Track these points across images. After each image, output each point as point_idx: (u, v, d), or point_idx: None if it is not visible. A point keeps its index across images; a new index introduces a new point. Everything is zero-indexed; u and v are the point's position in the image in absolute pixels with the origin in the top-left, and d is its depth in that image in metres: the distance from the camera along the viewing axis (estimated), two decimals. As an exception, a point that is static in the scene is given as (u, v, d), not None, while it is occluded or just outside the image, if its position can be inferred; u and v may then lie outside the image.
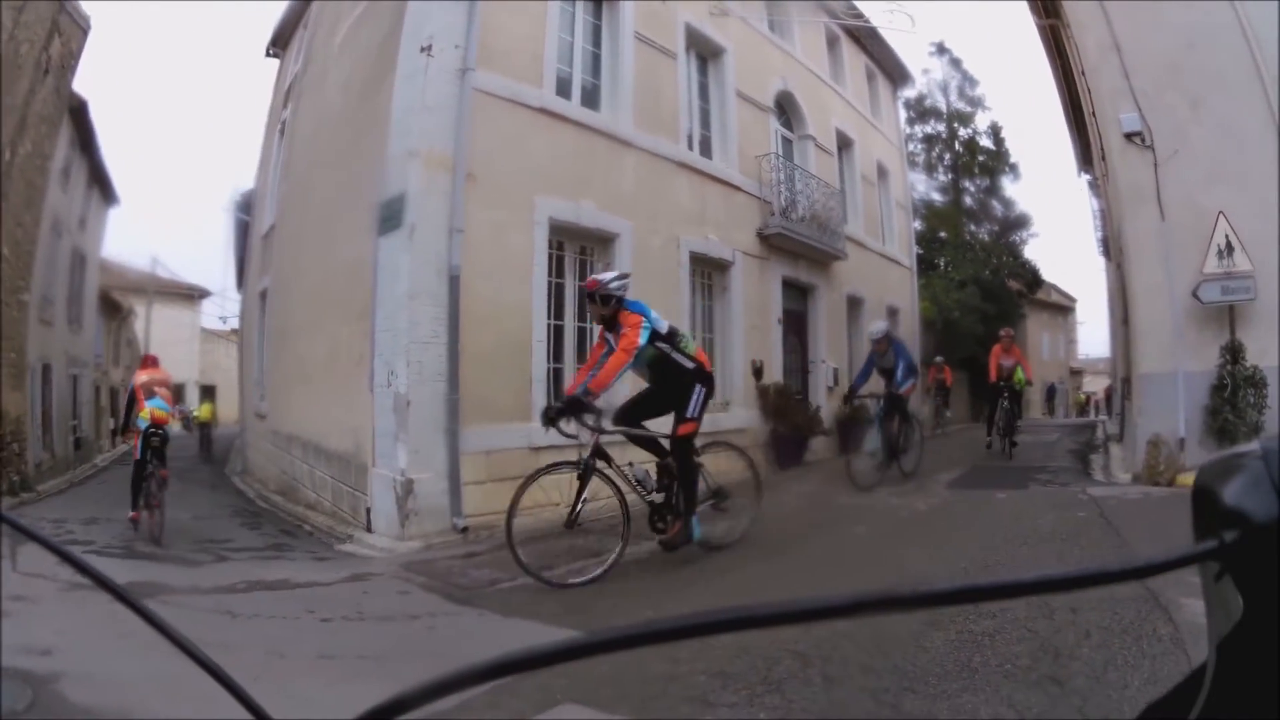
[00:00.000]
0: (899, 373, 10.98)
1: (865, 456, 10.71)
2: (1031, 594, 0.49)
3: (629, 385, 7.76)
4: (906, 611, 0.48)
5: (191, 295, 35.22)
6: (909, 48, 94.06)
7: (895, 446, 11.02)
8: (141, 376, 10.18)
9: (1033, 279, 31.39)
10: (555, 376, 10.35)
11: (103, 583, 0.76)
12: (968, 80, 33.64)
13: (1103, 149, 12.32)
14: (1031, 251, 39.62)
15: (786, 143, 16.22)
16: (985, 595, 0.49)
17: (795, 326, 15.83)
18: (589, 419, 6.66)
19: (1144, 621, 4.18)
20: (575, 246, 10.92)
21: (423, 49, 9.19)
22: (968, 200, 33.12)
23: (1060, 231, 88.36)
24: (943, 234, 30.06)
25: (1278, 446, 0.52)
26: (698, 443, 6.99)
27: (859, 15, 18.61)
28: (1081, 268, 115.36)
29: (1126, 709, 3.18)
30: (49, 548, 0.80)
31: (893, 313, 20.65)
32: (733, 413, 13.01)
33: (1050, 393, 36.21)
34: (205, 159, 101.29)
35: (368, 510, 8.88)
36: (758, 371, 13.61)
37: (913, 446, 11.49)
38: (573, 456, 6.77)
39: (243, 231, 21.80)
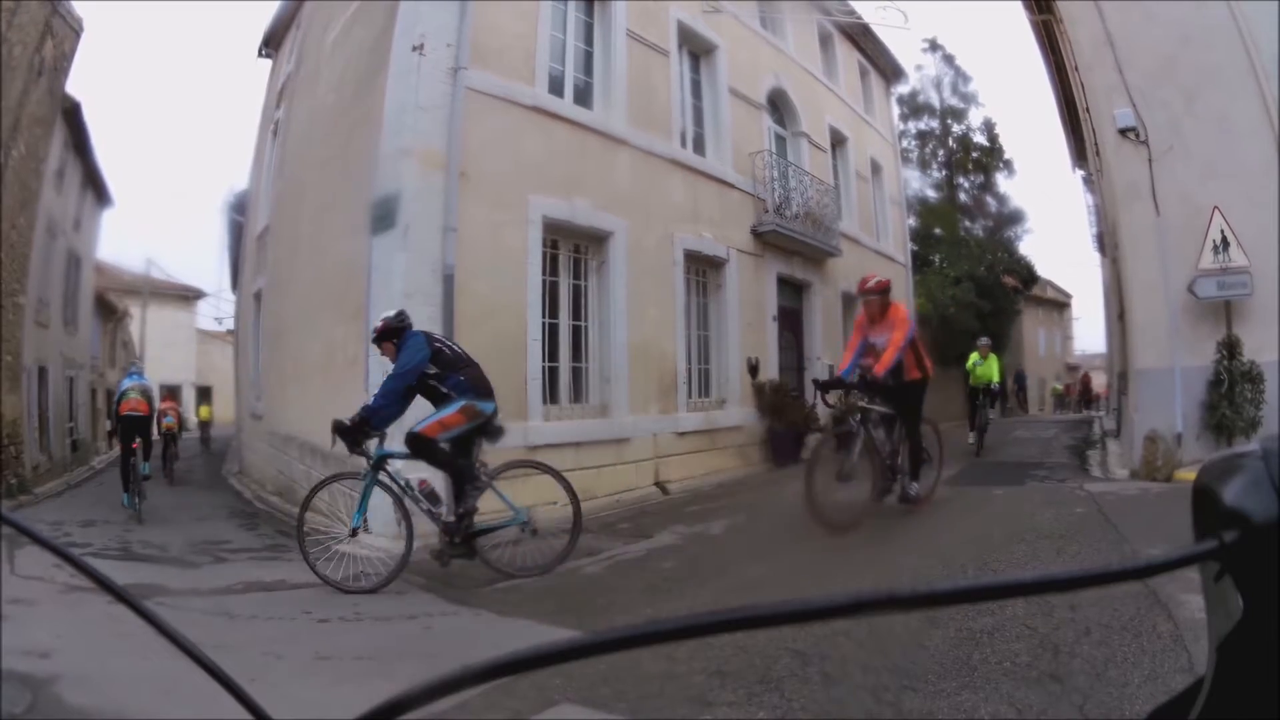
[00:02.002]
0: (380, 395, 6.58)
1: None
2: (1033, 594, 0.49)
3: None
4: (908, 611, 0.48)
5: (187, 296, 35.22)
6: (902, 44, 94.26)
7: (455, 529, 6.56)
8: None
9: (1028, 275, 31.42)
10: (550, 375, 10.36)
11: (106, 586, 0.75)
12: (961, 76, 33.75)
13: (1097, 145, 12.33)
14: (1026, 247, 39.76)
15: (780, 140, 16.24)
16: (987, 595, 0.49)
17: (790, 323, 15.83)
18: None
19: (1144, 618, 4.17)
20: (569, 245, 10.92)
21: (415, 48, 9.18)
22: (962, 196, 33.18)
23: (1055, 227, 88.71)
24: (937, 230, 30.07)
25: (1278, 446, 0.52)
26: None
27: (851, 12, 18.62)
28: (1077, 263, 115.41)
29: (1127, 707, 3.18)
30: (52, 549, 0.80)
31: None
32: (728, 410, 13.03)
33: (1019, 381, 33.93)
34: (199, 160, 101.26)
35: (364, 511, 8.86)
36: (753, 369, 13.62)
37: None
38: None
39: (237, 232, 21.79)
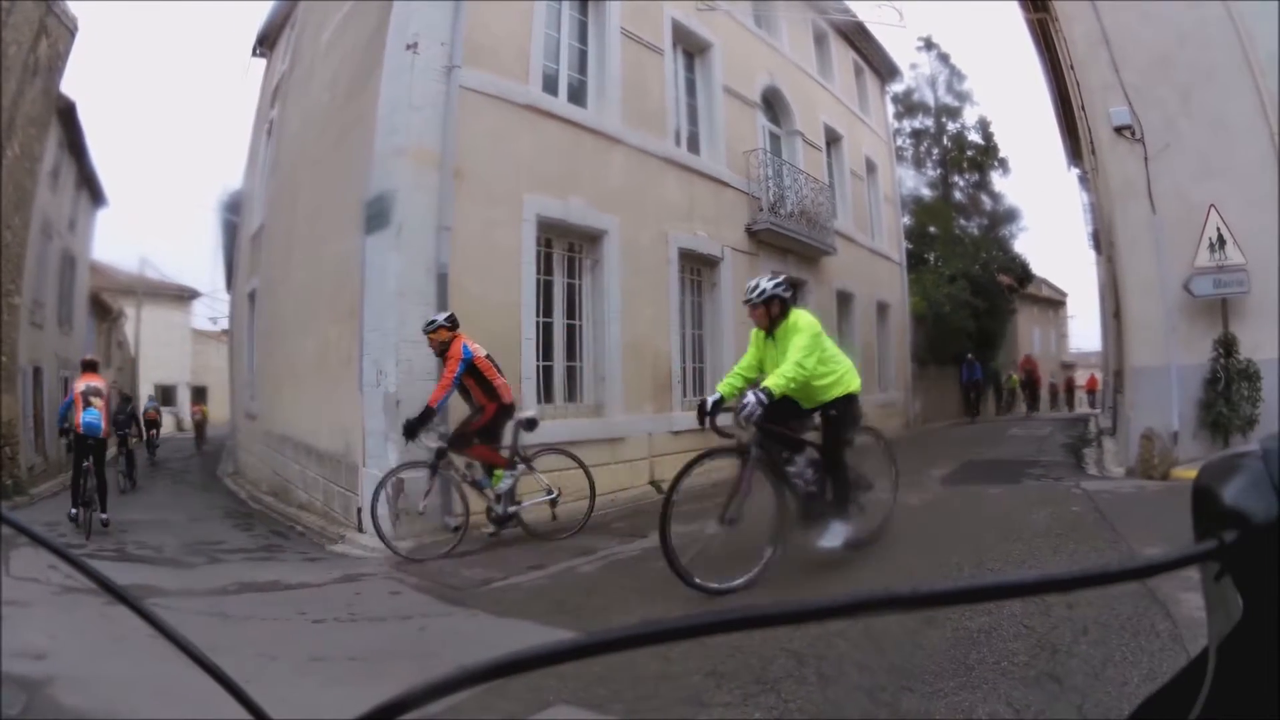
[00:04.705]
0: None
1: None
2: (1033, 594, 0.49)
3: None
4: (908, 611, 0.47)
5: (181, 296, 35.14)
6: (897, 43, 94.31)
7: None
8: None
9: (1023, 273, 31.44)
10: (545, 374, 10.35)
11: (109, 588, 0.75)
12: (956, 75, 33.75)
13: (1093, 143, 12.32)
14: (1021, 246, 39.51)
15: (774, 138, 16.24)
16: (987, 595, 0.49)
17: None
18: None
19: (1142, 617, 4.16)
20: (564, 244, 10.92)
21: (408, 47, 9.17)
22: (957, 195, 33.20)
23: (1050, 225, 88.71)
24: (932, 229, 30.08)
25: (1277, 446, 0.52)
26: None
27: (847, 10, 18.64)
28: (1072, 262, 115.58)
29: (1126, 706, 3.17)
30: (54, 551, 0.80)
31: (883, 308, 20.66)
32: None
33: (984, 375, 27.16)
34: (193, 160, 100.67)
35: (359, 510, 8.85)
36: (748, 368, 13.58)
37: None
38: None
39: (231, 232, 21.77)
